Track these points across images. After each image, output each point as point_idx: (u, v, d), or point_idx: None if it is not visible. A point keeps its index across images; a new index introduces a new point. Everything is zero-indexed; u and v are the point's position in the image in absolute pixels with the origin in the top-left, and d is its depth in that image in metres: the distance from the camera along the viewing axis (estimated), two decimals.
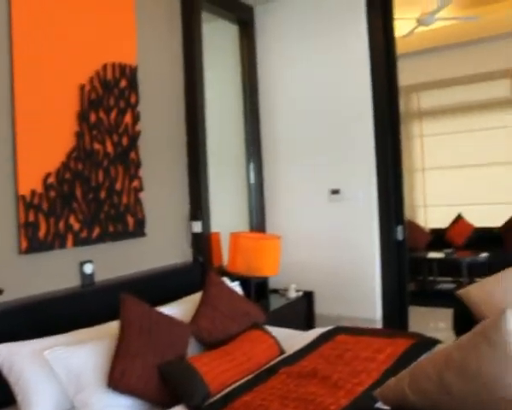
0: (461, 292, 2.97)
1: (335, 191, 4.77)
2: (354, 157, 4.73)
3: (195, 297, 3.39)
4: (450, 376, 1.42)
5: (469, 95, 8.14)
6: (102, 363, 2.46)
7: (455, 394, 1.41)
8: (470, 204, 8.07)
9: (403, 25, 6.74)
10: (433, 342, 3.03)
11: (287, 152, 5.06)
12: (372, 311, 4.76)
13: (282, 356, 3.04)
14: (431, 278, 7.12)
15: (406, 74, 7.44)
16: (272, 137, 5.12)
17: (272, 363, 2.93)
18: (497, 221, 7.68)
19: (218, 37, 5.09)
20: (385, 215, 4.70)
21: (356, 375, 2.65)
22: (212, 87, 4.61)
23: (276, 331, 3.40)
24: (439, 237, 7.98)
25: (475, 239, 7.74)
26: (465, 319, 2.98)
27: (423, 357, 2.56)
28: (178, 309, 3.20)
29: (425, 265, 7.07)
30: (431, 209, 8.56)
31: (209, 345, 3.03)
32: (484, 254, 6.69)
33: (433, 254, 7.07)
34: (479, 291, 2.87)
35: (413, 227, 8.10)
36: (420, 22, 6.58)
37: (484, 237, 7.68)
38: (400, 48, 6.03)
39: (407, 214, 8.45)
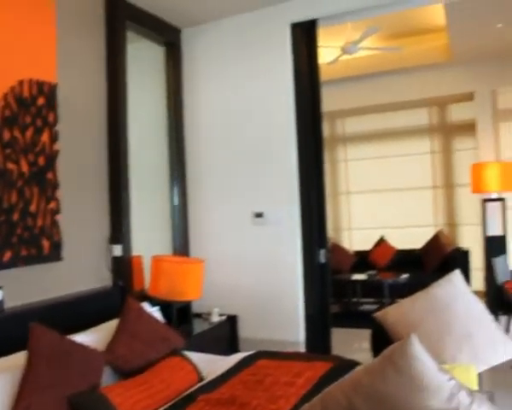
0: (378, 314, 3.03)
1: (259, 214, 4.79)
2: (278, 181, 4.77)
3: (113, 324, 3.27)
4: (358, 401, 1.43)
5: (391, 122, 8.48)
6: (7, 398, 2.32)
7: None
8: (393, 227, 8.35)
9: (328, 52, 6.94)
10: (352, 365, 3.06)
11: (211, 174, 5.04)
12: (296, 334, 4.77)
13: (202, 383, 2.99)
14: (355, 300, 7.26)
15: (332, 100, 7.65)
16: (197, 159, 5.10)
17: (191, 390, 2.87)
18: (417, 243, 7.97)
19: (144, 57, 5.03)
20: (308, 238, 4.75)
21: (274, 401, 2.63)
22: (137, 108, 4.54)
23: (197, 357, 3.34)
24: (363, 259, 8.17)
25: (397, 261, 7.99)
26: (382, 340, 3.04)
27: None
28: (94, 337, 3.08)
29: (349, 286, 7.22)
30: (355, 232, 8.78)
31: (126, 373, 2.93)
32: (405, 275, 6.91)
33: (356, 276, 7.22)
34: (395, 313, 2.95)
35: (338, 249, 8.27)
36: (344, 51, 6.78)
37: (405, 259, 7.95)
38: (326, 75, 6.21)
39: (332, 237, 8.68)
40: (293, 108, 4.73)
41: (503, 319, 5.64)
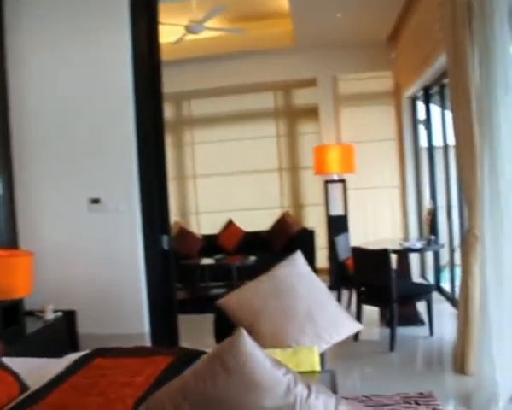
0: (220, 301, 2.90)
1: (95, 200, 4.43)
2: (115, 165, 4.45)
3: None
4: (186, 407, 1.24)
5: (238, 105, 8.45)
6: None
7: None
8: (240, 210, 8.37)
9: (172, 32, 6.66)
10: (197, 356, 2.89)
11: (42, 159, 4.55)
12: (140, 325, 4.52)
13: (25, 394, 2.62)
14: (203, 285, 7.14)
15: (177, 82, 7.42)
16: (25, 142, 4.56)
17: (12, 405, 2.50)
18: (265, 225, 8.06)
19: None
20: (149, 225, 4.51)
21: (109, 405, 2.37)
22: None
23: (23, 363, 2.96)
24: (211, 243, 8.09)
25: (246, 243, 8.02)
26: (227, 328, 2.91)
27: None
28: None
29: (197, 271, 7.06)
30: (203, 216, 8.67)
31: None
32: (252, 258, 6.93)
33: (204, 261, 7.10)
34: (237, 298, 2.83)
35: (185, 234, 8.10)
36: (188, 30, 6.55)
37: (253, 241, 8.00)
38: (170, 55, 5.96)
39: (180, 222, 8.49)
40: (132, 89, 4.42)
41: (346, 293, 5.87)
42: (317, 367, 2.38)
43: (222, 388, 1.20)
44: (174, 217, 8.48)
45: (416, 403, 3.37)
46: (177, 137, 8.65)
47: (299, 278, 2.77)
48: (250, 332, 2.78)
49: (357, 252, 4.72)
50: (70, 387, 2.64)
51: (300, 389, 1.24)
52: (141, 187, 4.46)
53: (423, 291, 4.67)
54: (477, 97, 3.45)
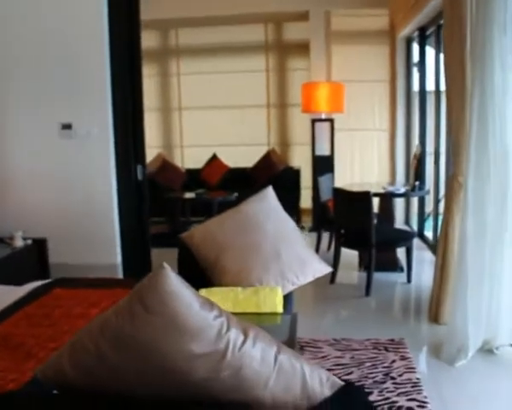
0: (184, 235, 2.75)
1: (67, 126, 4.21)
2: (87, 91, 4.21)
3: None
4: (105, 346, 1.11)
5: (227, 36, 8.07)
6: None
7: (111, 365, 1.11)
8: (226, 145, 8.15)
9: None
10: None
11: (10, 86, 4.30)
12: (112, 256, 4.41)
13: None
14: (184, 219, 7.00)
15: (164, 8, 7.07)
16: None
17: None
18: (250, 162, 7.87)
19: None
20: (123, 154, 4.33)
21: (58, 337, 2.25)
22: None
23: None
24: (194, 178, 7.92)
25: (229, 179, 7.86)
26: (190, 263, 2.78)
27: None
28: None
29: (178, 205, 6.90)
30: (188, 149, 8.45)
31: None
32: (235, 194, 6.78)
33: (186, 195, 6.93)
34: (201, 233, 2.68)
35: (169, 167, 7.91)
36: None
37: (237, 177, 7.84)
38: None
39: (164, 154, 8.27)
40: (107, 13, 4.13)
41: (327, 235, 5.77)
42: (279, 309, 2.26)
43: (141, 328, 1.06)
44: (158, 149, 8.30)
45: (386, 349, 3.29)
46: (163, 67, 8.31)
47: (268, 214, 2.62)
48: (213, 268, 2.67)
49: (338, 193, 4.57)
50: (23, 316, 2.53)
51: (234, 335, 1.09)
52: (114, 114, 4.26)
53: (404, 238, 4.55)
54: (472, 38, 3.23)
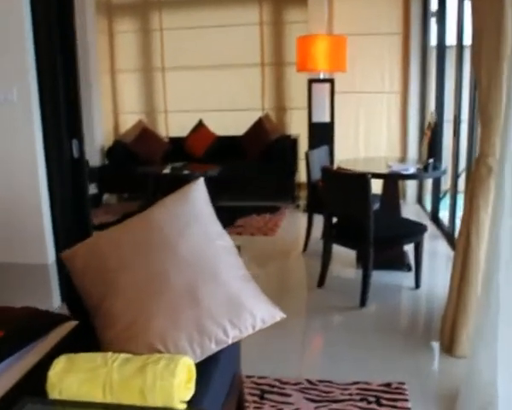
0: (65, 254, 1.81)
1: None
2: (2, 47, 3.25)
3: None
4: None
5: None
6: None
7: None
8: (215, 110, 7.16)
9: None
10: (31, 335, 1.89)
11: None
12: (43, 255, 3.51)
13: None
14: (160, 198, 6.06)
15: None
16: None
17: None
18: (242, 129, 6.88)
19: None
20: (53, 126, 3.39)
21: None
22: None
23: None
24: (178, 148, 6.97)
25: (217, 149, 6.90)
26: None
27: None
28: None
29: (150, 182, 5.94)
30: (172, 115, 7.45)
31: None
32: (216, 169, 5.82)
33: (156, 169, 5.95)
34: (87, 253, 1.73)
35: (149, 136, 6.97)
36: None
37: (226, 147, 6.88)
38: None
39: (145, 121, 7.31)
40: None
41: (320, 218, 4.80)
42: (178, 404, 1.33)
43: None
44: (139, 115, 7.34)
45: (378, 402, 2.37)
46: (143, 22, 7.26)
47: (186, 228, 1.67)
48: (97, 311, 1.71)
49: (328, 174, 3.58)
50: None
51: None
52: (40, 74, 3.29)
53: (411, 233, 3.54)
54: None
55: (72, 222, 3.60)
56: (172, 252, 1.62)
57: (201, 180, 1.88)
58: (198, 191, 1.83)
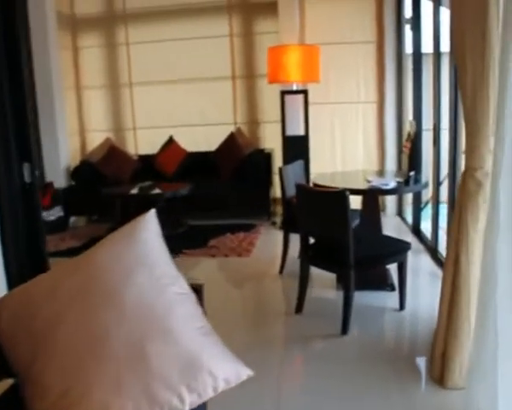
0: None
1: None
2: None
3: None
4: None
5: None
6: None
7: None
8: (185, 125, 6.90)
9: None
10: None
11: None
12: None
13: None
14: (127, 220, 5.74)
15: None
16: None
17: None
18: (214, 145, 6.62)
19: None
20: (1, 149, 3.07)
21: None
22: None
23: None
24: (148, 166, 6.69)
25: (189, 167, 6.64)
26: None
27: None
28: None
29: (117, 203, 5.63)
30: (142, 132, 7.17)
31: None
32: (186, 187, 5.56)
33: (124, 190, 5.66)
34: (17, 304, 1.44)
35: (116, 155, 6.67)
36: None
37: (198, 165, 6.62)
38: None
39: (112, 139, 7.01)
40: None
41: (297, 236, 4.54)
42: None
43: None
44: (106, 133, 7.04)
45: None
46: (109, 37, 6.99)
47: (136, 270, 1.40)
48: (26, 376, 1.39)
49: (303, 192, 3.33)
50: None
51: None
52: None
53: (394, 251, 3.31)
54: None
55: (25, 254, 3.29)
56: (115, 303, 1.34)
57: (152, 212, 1.61)
58: (147, 227, 1.55)
